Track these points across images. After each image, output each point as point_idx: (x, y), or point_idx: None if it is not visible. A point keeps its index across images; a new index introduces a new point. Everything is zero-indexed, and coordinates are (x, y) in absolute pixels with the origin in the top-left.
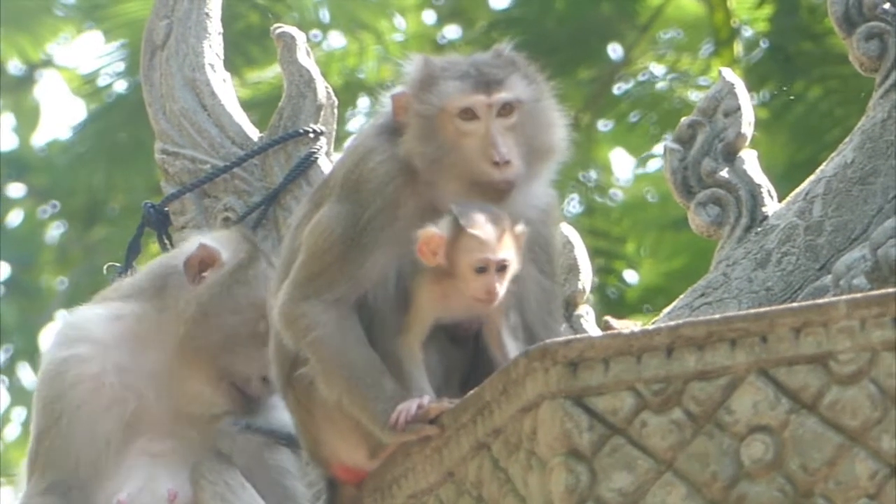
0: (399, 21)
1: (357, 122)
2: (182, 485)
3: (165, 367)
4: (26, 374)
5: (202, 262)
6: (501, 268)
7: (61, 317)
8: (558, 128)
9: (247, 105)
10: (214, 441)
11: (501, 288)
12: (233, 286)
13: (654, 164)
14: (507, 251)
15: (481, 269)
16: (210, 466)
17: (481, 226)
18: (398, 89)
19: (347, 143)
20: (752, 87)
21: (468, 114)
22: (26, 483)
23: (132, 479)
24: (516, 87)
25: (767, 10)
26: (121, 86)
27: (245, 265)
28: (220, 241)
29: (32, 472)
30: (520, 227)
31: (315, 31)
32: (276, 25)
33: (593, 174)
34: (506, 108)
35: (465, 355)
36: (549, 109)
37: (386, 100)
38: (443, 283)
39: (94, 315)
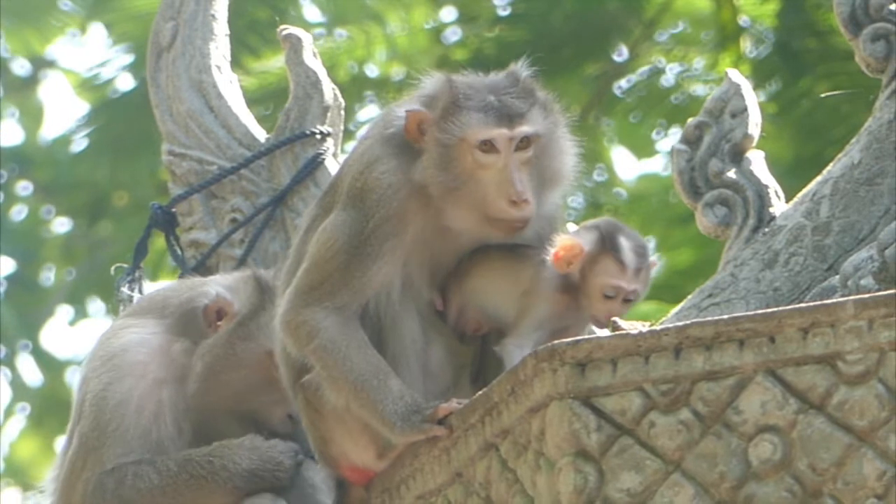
0: (405, 16)
1: (366, 113)
2: None
3: (197, 408)
4: (27, 369)
5: (219, 311)
6: (628, 299)
7: (103, 336)
8: (570, 157)
9: (254, 97)
10: None
11: (623, 315)
12: (235, 343)
13: (660, 163)
14: (640, 284)
15: (610, 295)
16: None
17: (626, 253)
18: (414, 105)
19: (355, 143)
20: (758, 83)
21: (488, 146)
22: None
23: None
24: (536, 121)
25: (773, 7)
26: (125, 83)
27: (248, 319)
28: (234, 290)
29: (77, 477)
30: (653, 259)
31: (321, 21)
32: (282, 27)
33: (598, 169)
34: (524, 142)
35: (474, 352)
36: (563, 139)
37: (399, 113)
38: (567, 293)
39: (142, 342)
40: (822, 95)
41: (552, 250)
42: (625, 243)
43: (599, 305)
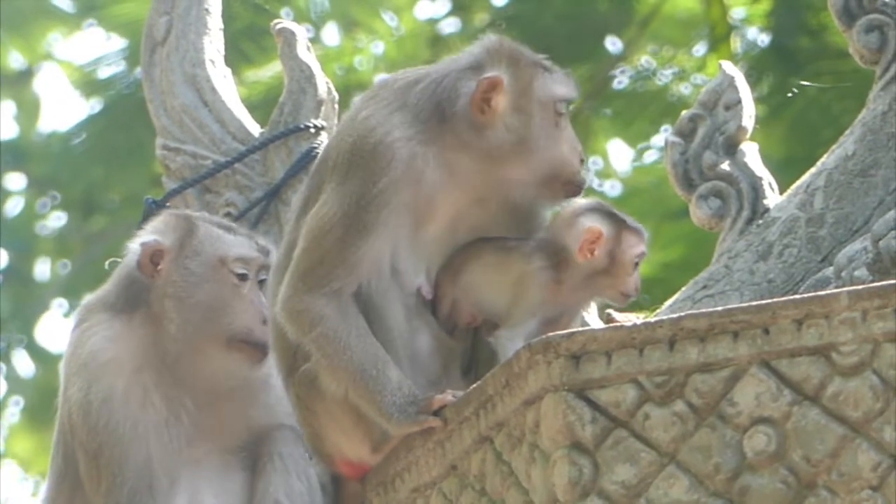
0: (393, 18)
1: None
2: (223, 494)
3: (181, 365)
4: (22, 363)
5: (152, 257)
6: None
7: (70, 346)
8: None
9: (243, 105)
10: (265, 437)
11: None
12: (188, 264)
13: (652, 156)
14: None
15: (637, 263)
16: (286, 451)
17: (631, 221)
18: (489, 73)
19: (352, 109)
20: (750, 83)
21: (565, 109)
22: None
23: (180, 494)
24: None
25: (764, 6)
26: (120, 80)
27: (187, 238)
28: (157, 231)
29: (98, 488)
30: None
31: (308, 26)
32: (275, 21)
33: (591, 166)
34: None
35: (464, 347)
36: None
37: (451, 81)
38: (559, 282)
39: (106, 339)
40: (803, 83)
41: (576, 245)
42: (621, 213)
43: (631, 278)
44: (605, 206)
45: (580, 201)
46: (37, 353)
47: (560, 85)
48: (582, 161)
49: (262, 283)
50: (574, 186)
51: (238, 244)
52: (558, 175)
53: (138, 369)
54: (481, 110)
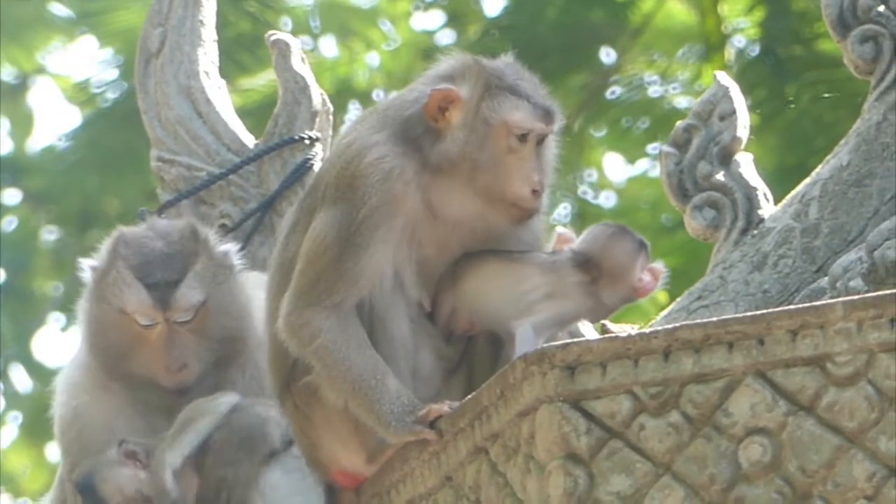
0: (389, 28)
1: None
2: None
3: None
4: (20, 379)
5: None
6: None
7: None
8: (555, 154)
9: (238, 113)
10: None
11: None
12: (93, 305)
13: (646, 168)
14: None
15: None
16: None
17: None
18: (440, 84)
19: (334, 144)
20: (743, 91)
21: (524, 137)
22: None
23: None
24: (560, 121)
25: (758, 15)
26: (114, 92)
27: (100, 278)
28: (101, 250)
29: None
30: None
31: (305, 38)
32: (270, 32)
33: (586, 178)
34: (542, 138)
35: (459, 353)
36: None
37: (422, 89)
38: (599, 294)
39: (78, 368)
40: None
41: (638, 282)
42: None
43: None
44: (633, 232)
45: (615, 229)
46: (34, 368)
47: (522, 114)
48: (535, 191)
49: None
50: (520, 210)
51: None
52: (503, 198)
53: (105, 388)
54: (434, 118)
